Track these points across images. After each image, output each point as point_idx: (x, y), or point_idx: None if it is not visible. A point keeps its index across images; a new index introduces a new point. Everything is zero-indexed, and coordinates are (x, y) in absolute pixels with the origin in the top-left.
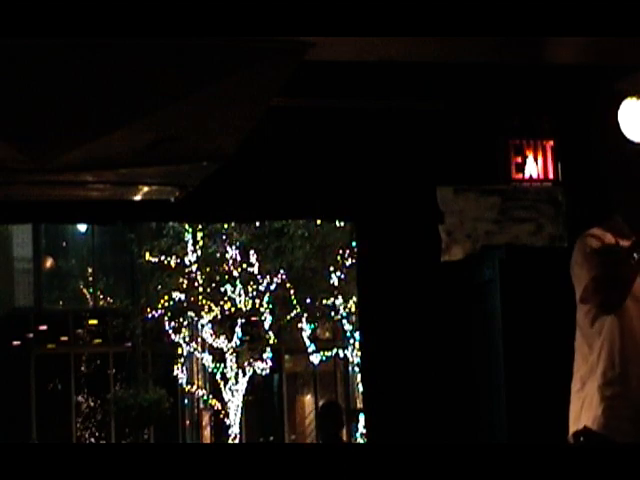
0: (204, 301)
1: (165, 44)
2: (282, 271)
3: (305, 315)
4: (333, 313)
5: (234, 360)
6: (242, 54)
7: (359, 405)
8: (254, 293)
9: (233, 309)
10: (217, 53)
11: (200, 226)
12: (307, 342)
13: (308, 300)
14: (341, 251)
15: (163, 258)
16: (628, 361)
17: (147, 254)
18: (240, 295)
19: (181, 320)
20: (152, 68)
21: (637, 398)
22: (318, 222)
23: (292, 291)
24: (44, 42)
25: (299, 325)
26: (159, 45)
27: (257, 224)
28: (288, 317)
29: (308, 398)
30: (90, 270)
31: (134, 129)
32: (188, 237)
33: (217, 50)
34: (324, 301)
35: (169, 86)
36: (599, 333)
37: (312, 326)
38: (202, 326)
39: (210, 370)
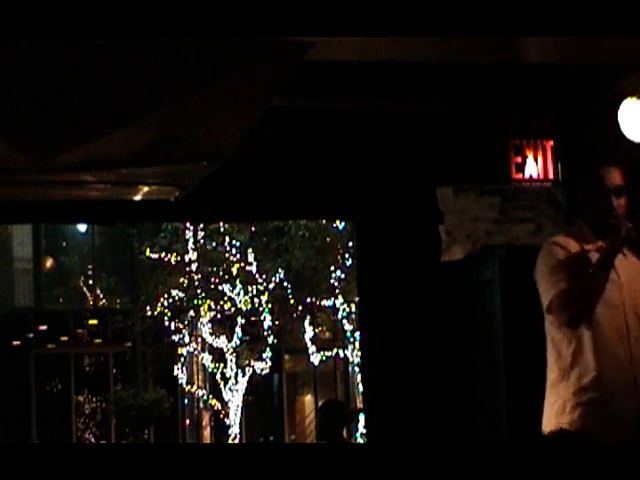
0: (204, 300)
1: (165, 44)
2: (282, 271)
3: (307, 317)
4: (333, 313)
5: (234, 360)
6: (242, 54)
7: (359, 405)
8: (254, 293)
9: (233, 309)
10: (217, 53)
11: (201, 225)
12: (308, 342)
13: (308, 300)
14: (341, 251)
15: (163, 255)
16: (603, 366)
17: (147, 250)
18: (240, 295)
19: (181, 319)
20: (152, 68)
21: (616, 402)
22: (318, 222)
23: (291, 291)
24: (44, 42)
25: (300, 325)
26: (159, 45)
27: (257, 223)
28: (288, 317)
29: (308, 398)
30: (90, 270)
31: (134, 129)
32: (189, 235)
33: (217, 50)
34: (324, 302)
35: (169, 86)
36: (569, 341)
37: (314, 328)
38: (202, 325)
39: (210, 370)
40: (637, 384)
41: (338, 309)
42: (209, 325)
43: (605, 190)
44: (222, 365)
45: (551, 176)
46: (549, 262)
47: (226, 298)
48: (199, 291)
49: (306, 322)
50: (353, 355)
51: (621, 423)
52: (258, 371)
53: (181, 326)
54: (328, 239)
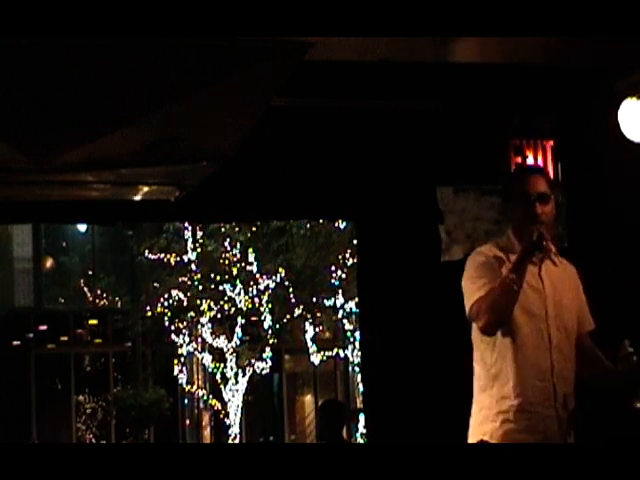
0: (204, 300)
1: (165, 44)
2: (282, 270)
3: (308, 316)
4: (334, 313)
5: (234, 360)
6: (242, 54)
7: (359, 405)
8: (254, 293)
9: (233, 309)
10: (217, 53)
11: (200, 224)
12: (308, 342)
13: (308, 299)
14: (342, 250)
15: (162, 256)
16: (523, 375)
17: (146, 251)
18: (240, 295)
19: (181, 319)
20: (152, 68)
21: (534, 410)
22: (320, 222)
23: (292, 291)
24: (44, 42)
25: (300, 325)
26: (159, 45)
27: (257, 223)
28: (288, 316)
29: (308, 398)
30: (90, 270)
31: (134, 129)
32: (188, 235)
33: (217, 50)
34: (325, 301)
35: (169, 86)
36: (492, 350)
37: (314, 327)
38: (202, 325)
39: (210, 370)
40: (557, 395)
41: (339, 309)
42: (209, 325)
43: (527, 198)
44: (222, 365)
45: (551, 176)
46: (469, 271)
47: (226, 298)
48: (199, 291)
49: (306, 322)
50: (353, 355)
51: (540, 432)
52: (258, 371)
53: (181, 326)
54: (329, 238)
